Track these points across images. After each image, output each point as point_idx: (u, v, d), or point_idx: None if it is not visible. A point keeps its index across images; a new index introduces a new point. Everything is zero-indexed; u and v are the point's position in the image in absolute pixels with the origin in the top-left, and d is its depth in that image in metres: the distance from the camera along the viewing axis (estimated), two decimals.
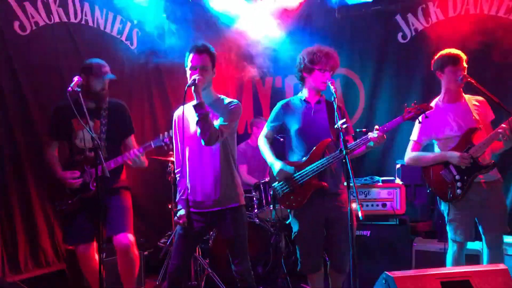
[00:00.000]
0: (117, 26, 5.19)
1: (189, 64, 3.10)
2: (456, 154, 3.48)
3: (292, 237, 3.46)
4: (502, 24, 4.67)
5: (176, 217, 3.21)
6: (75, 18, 4.79)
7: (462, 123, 3.55)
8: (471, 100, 3.62)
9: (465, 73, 3.48)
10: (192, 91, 2.94)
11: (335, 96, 3.03)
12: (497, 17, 4.73)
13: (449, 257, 3.68)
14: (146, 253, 5.02)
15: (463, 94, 3.62)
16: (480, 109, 3.58)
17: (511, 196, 4.68)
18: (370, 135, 3.13)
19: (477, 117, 3.53)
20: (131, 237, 3.51)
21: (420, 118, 3.16)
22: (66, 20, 4.69)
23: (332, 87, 3.12)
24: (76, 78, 3.12)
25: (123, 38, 5.28)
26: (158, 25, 5.54)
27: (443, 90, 3.65)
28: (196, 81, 2.93)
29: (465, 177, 3.48)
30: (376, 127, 3.15)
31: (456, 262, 3.61)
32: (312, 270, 3.47)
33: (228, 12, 6.01)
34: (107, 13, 5.08)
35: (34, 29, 4.44)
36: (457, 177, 3.51)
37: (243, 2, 6.10)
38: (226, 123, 3.05)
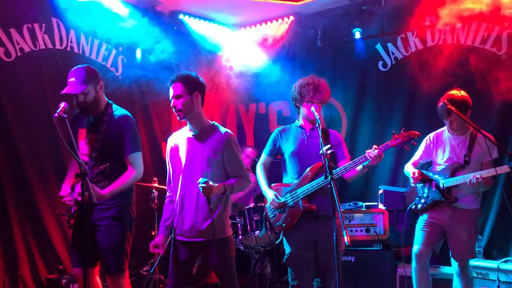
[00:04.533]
0: (102, 53, 5.23)
1: None
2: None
3: (285, 259, 3.46)
4: (477, 53, 4.83)
5: (152, 246, 3.15)
6: (61, 44, 4.81)
7: (454, 156, 3.78)
8: (483, 137, 3.67)
9: (447, 101, 3.59)
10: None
11: (320, 122, 3.14)
12: (473, 47, 4.90)
13: (412, 273, 3.91)
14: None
15: (473, 128, 3.70)
16: (480, 147, 3.72)
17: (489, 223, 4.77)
18: (368, 151, 3.20)
19: (473, 154, 3.71)
20: (117, 278, 3.20)
21: (407, 145, 3.24)
22: (51, 47, 4.71)
23: (316, 113, 3.24)
24: (62, 104, 3.00)
25: (108, 65, 5.31)
26: (143, 52, 5.59)
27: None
28: (203, 192, 2.92)
29: (430, 198, 3.82)
30: (375, 146, 3.22)
31: (419, 276, 3.83)
32: None
33: (212, 39, 6.11)
34: (93, 40, 5.12)
35: (20, 55, 4.44)
36: (424, 194, 3.86)
37: (227, 30, 6.22)
38: (241, 171, 3.16)
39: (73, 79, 3.14)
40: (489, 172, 3.53)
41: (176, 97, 3.08)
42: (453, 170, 3.75)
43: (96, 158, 3.15)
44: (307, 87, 3.42)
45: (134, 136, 3.24)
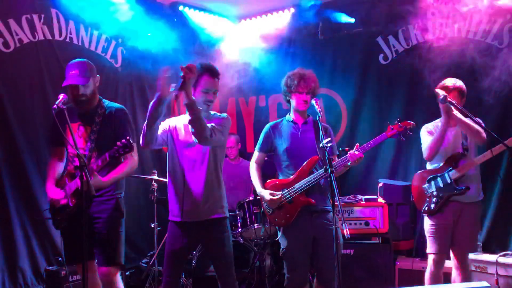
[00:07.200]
0: (101, 44, 5.20)
1: (200, 84, 3.12)
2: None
3: (280, 253, 3.50)
4: (478, 46, 4.80)
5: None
6: (60, 35, 4.78)
7: (453, 147, 3.73)
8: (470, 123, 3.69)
9: (447, 94, 3.58)
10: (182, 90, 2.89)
11: (320, 116, 3.14)
12: (474, 40, 4.87)
13: (426, 274, 3.81)
14: (127, 273, 4.94)
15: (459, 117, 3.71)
16: None
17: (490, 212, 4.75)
18: (350, 152, 3.26)
19: (469, 142, 3.70)
20: (113, 270, 3.19)
21: (403, 135, 3.31)
22: (50, 38, 4.69)
23: (316, 106, 3.24)
24: (61, 96, 3.03)
25: (108, 56, 5.29)
26: (143, 44, 5.56)
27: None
28: (186, 78, 2.86)
29: (441, 195, 3.71)
30: (357, 145, 3.27)
31: (433, 278, 3.74)
32: (298, 285, 3.48)
33: (212, 31, 6.08)
34: (92, 31, 5.09)
35: (18, 46, 4.42)
36: (434, 193, 3.73)
37: (227, 22, 6.18)
38: (217, 127, 3.09)
39: (75, 71, 3.14)
40: (486, 156, 3.54)
41: (215, 92, 3.19)
42: (456, 160, 3.70)
43: (92, 149, 3.16)
44: (292, 77, 3.48)
45: (131, 127, 3.31)
